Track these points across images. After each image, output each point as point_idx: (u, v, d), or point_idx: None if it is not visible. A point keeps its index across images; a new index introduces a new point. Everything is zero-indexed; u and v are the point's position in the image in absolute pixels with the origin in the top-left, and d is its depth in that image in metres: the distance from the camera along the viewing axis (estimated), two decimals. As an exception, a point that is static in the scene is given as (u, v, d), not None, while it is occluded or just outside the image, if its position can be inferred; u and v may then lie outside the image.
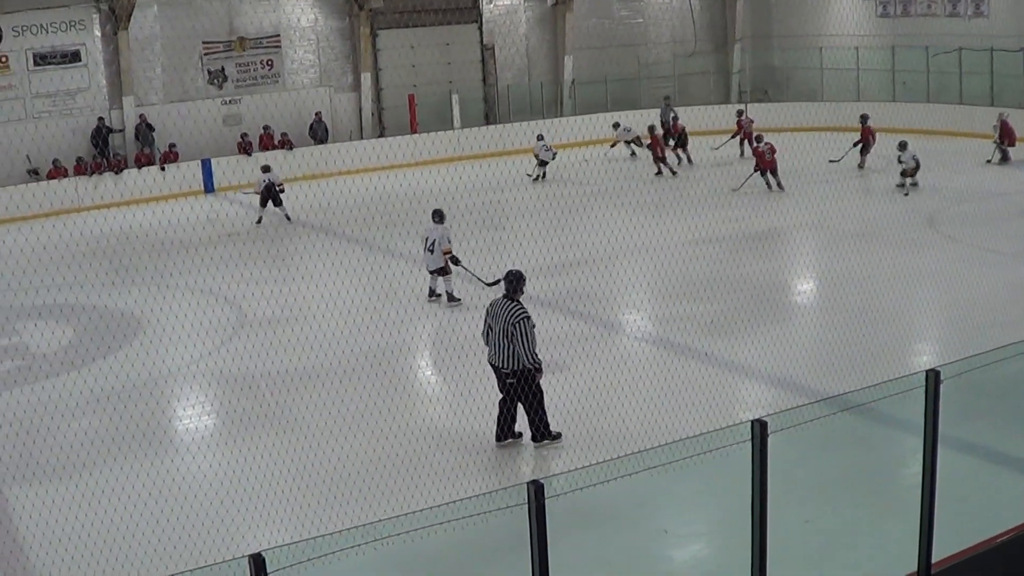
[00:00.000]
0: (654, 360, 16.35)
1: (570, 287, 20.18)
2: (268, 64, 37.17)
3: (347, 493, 11.87)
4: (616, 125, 36.45)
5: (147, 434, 14.20)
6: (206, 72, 36.08)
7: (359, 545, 6.72)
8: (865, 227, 24.00)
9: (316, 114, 36.94)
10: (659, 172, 32.15)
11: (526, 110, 40.52)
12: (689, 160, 34.01)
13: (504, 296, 13.11)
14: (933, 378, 8.29)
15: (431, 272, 19.85)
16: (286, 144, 35.66)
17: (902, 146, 27.64)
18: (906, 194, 27.09)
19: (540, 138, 33.55)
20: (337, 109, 38.31)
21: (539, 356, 12.83)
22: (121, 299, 21.26)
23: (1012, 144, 30.90)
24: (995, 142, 30.80)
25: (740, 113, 34.82)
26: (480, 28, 40.82)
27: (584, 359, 16.18)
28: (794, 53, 43.30)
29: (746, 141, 33.01)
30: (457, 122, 38.28)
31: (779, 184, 28.54)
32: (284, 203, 28.19)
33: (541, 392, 12.96)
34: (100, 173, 32.93)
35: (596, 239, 21.42)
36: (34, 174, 32.54)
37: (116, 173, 33.16)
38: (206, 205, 32.29)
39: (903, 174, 27.58)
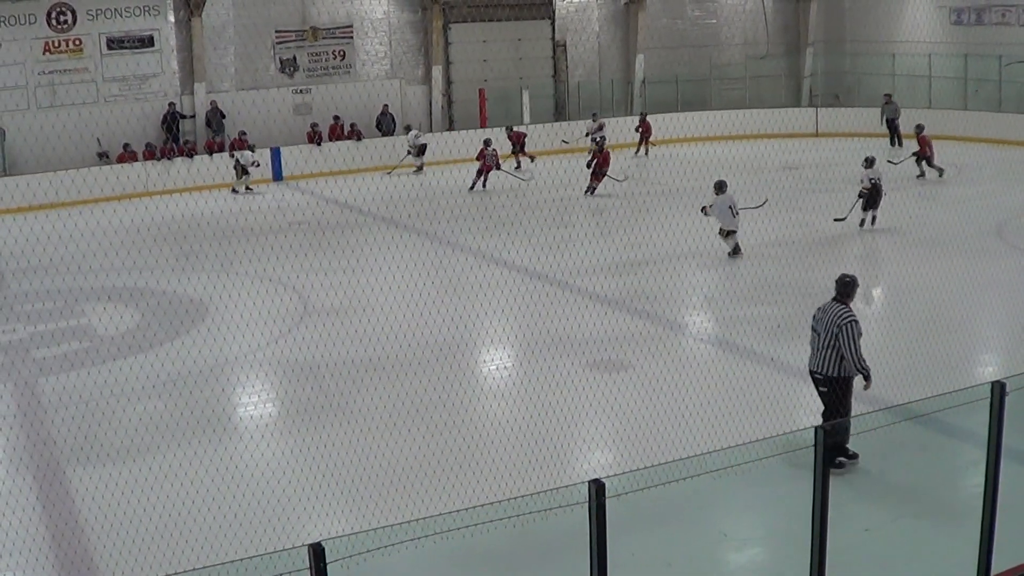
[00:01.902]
0: (717, 362, 16.26)
1: (635, 286, 20.13)
2: (340, 54, 37.39)
3: (406, 486, 11.90)
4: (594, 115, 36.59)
5: (210, 420, 14.32)
6: (278, 61, 36.35)
7: (417, 539, 6.73)
8: (932, 235, 23.75)
9: (384, 106, 37.08)
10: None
11: (596, 108, 40.45)
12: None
13: (833, 299, 12.60)
14: (999, 390, 8.21)
15: (722, 231, 21.98)
16: (355, 135, 35.84)
17: (868, 162, 24.46)
18: (861, 223, 24.43)
19: (599, 124, 34.18)
20: (408, 101, 38.45)
21: (867, 363, 11.99)
22: (187, 284, 21.44)
23: None
24: None
25: (920, 128, 31.63)
26: (552, 24, 40.83)
27: (648, 359, 16.14)
28: (866, 58, 42.97)
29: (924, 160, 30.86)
30: (527, 117, 38.28)
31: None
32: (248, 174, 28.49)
33: (849, 408, 12.13)
34: (170, 158, 33.25)
35: (662, 239, 21.37)
36: (104, 157, 32.91)
37: (188, 158, 33.46)
38: (276, 193, 32.51)
39: (860, 195, 24.40)
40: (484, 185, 31.68)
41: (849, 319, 12.06)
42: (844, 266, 22.20)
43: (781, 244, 23.10)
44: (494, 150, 32.10)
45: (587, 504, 6.95)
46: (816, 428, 7.69)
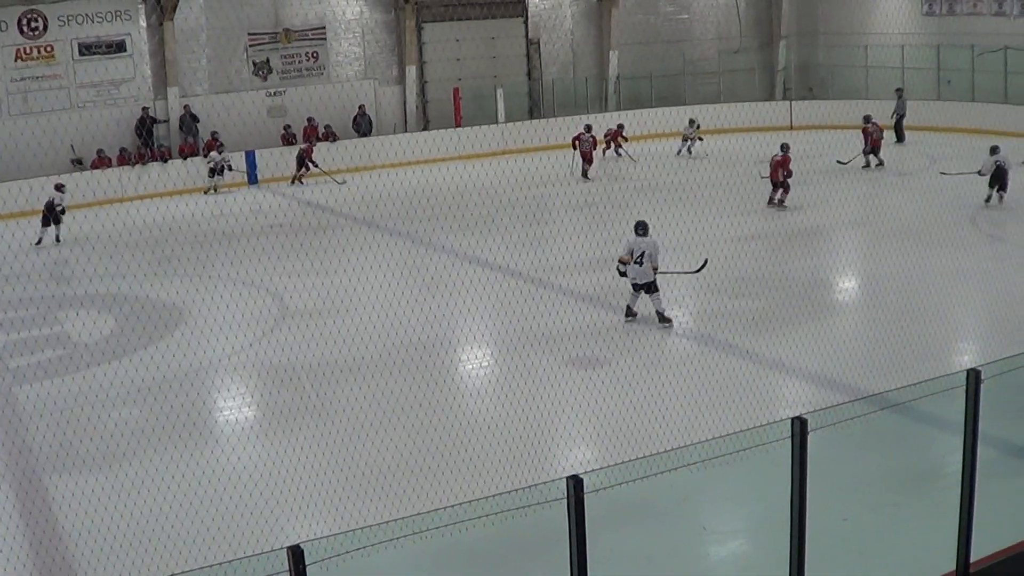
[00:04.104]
0: (696, 356, 16.32)
1: (613, 282, 20.06)
2: (313, 56, 37.29)
3: (386, 486, 11.91)
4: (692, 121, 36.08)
5: (187, 425, 14.25)
6: (251, 63, 36.23)
7: (397, 538, 6.74)
8: (907, 225, 23.82)
9: (360, 107, 37.02)
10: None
11: (571, 105, 40.41)
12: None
13: None
14: (974, 377, 8.25)
15: (638, 287, 17.79)
16: (330, 136, 35.78)
17: (993, 150, 25.77)
18: (987, 199, 25.49)
19: (691, 122, 34.72)
20: (381, 102, 38.37)
21: None
22: (163, 289, 21.37)
23: None
24: None
25: (867, 120, 32.31)
26: (526, 22, 40.77)
27: (626, 354, 16.17)
28: (839, 51, 43.04)
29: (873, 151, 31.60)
30: (501, 116, 38.24)
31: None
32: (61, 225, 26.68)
33: None
34: (144, 163, 33.13)
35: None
36: (78, 164, 32.76)
37: (163, 162, 33.36)
38: (249, 196, 32.40)
39: (981, 173, 25.77)
40: (585, 175, 32.44)
41: None
42: (820, 259, 22.47)
43: (757, 238, 23.17)
44: (591, 136, 32.80)
45: (566, 500, 6.96)
46: (793, 420, 7.70)
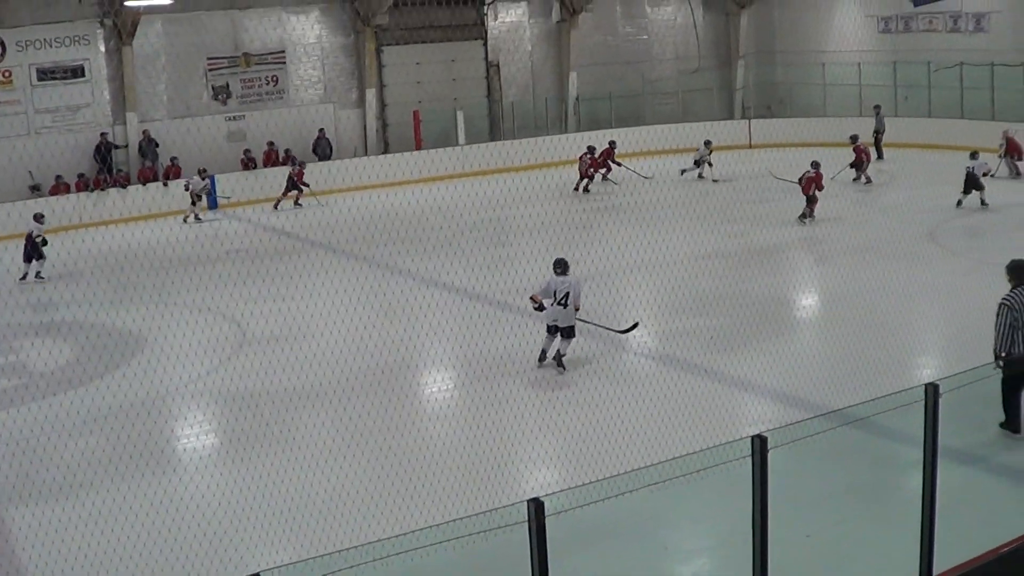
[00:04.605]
0: (657, 375, 16.29)
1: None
2: (273, 80, 37.19)
3: (347, 512, 11.81)
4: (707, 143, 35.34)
5: (148, 453, 14.12)
6: (210, 88, 36.08)
7: (358, 565, 6.70)
8: (867, 241, 23.96)
9: (320, 131, 36.94)
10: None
11: (531, 126, 40.52)
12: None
13: (1015, 286, 12.81)
14: (932, 392, 8.28)
15: (560, 329, 16.48)
16: (290, 161, 35.65)
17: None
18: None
19: (707, 144, 34.45)
20: (341, 126, 38.30)
21: None
22: (122, 317, 21.20)
23: (1021, 158, 30.94)
24: (1000, 156, 30.73)
25: (855, 139, 32.79)
26: (485, 45, 40.85)
27: (587, 375, 16.14)
28: (797, 69, 43.40)
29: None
30: (461, 138, 38.23)
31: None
32: (44, 258, 25.67)
33: None
34: (103, 189, 32.93)
35: (600, 255, 21.37)
36: (36, 190, 32.53)
37: (122, 188, 33.16)
38: (211, 221, 32.25)
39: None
40: (585, 189, 33.39)
41: None
42: (780, 275, 22.52)
43: (717, 256, 23.23)
44: (588, 157, 33.50)
45: (527, 524, 6.92)
46: (753, 438, 7.69)
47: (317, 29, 37.92)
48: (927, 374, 14.95)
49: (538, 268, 19.31)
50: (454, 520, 7.46)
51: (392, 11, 37.54)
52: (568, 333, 16.41)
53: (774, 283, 21.69)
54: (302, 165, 33.87)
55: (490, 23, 40.91)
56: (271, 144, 35.91)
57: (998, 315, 12.70)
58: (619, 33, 43.91)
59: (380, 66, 38.82)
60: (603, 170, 34.32)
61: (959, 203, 26.86)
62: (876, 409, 9.00)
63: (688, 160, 34.58)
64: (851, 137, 31.97)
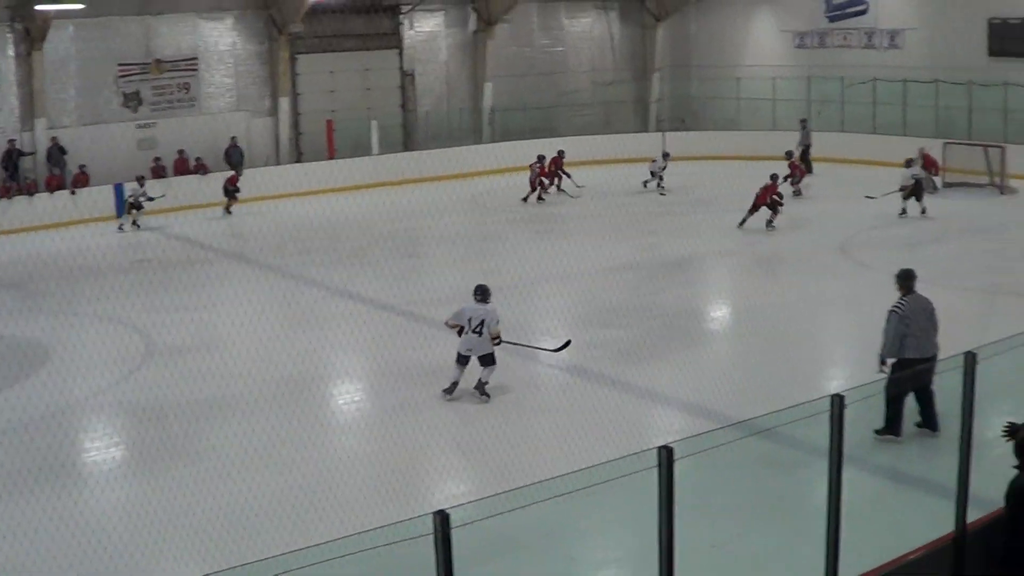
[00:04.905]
0: (568, 387, 16.31)
1: (485, 314, 20.01)
2: (185, 87, 36.75)
3: (254, 525, 11.67)
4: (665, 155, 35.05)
5: (52, 467, 13.80)
6: (121, 95, 35.57)
7: (261, 579, 6.60)
8: (778, 254, 24.24)
9: (232, 139, 36.56)
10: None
11: (445, 137, 40.44)
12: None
13: (905, 294, 13.49)
14: (838, 402, 8.31)
15: (476, 357, 15.77)
16: (201, 169, 35.28)
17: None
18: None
19: (665, 156, 34.19)
20: (254, 134, 37.92)
21: None
22: (27, 327, 20.79)
23: (937, 173, 31.45)
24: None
25: (789, 155, 33.34)
26: (400, 54, 40.68)
27: (497, 386, 16.07)
28: (712, 83, 43.77)
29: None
30: (375, 148, 38.08)
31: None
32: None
33: None
34: (9, 197, 32.35)
35: (513, 266, 21.40)
36: (-59, 198, 31.94)
37: (30, 196, 32.60)
38: (118, 230, 31.81)
39: (902, 189, 27.98)
40: (538, 198, 32.99)
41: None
42: (691, 287, 22.66)
43: (629, 268, 23.30)
44: (538, 167, 33.13)
45: (432, 536, 6.86)
46: (660, 448, 7.68)
47: (231, 36, 37.53)
48: (835, 384, 15.06)
49: (449, 279, 19.33)
50: (359, 533, 7.37)
51: (307, 19, 37.29)
52: (486, 361, 15.72)
53: (685, 295, 21.82)
54: (236, 170, 33.50)
55: (406, 32, 40.76)
56: (181, 152, 35.49)
57: (888, 322, 13.28)
58: (535, 44, 43.97)
59: (294, 74, 38.52)
60: (556, 180, 34.02)
61: (903, 212, 27.74)
62: (783, 420, 9.04)
63: (646, 171, 34.48)
64: (786, 153, 32.50)
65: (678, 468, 7.71)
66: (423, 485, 13.02)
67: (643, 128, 44.42)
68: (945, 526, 9.16)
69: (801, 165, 32.38)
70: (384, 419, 14.71)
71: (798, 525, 10.67)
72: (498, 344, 15.73)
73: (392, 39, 40.38)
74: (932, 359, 13.05)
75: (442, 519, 6.80)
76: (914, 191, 27.77)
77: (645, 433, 13.92)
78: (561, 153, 34.48)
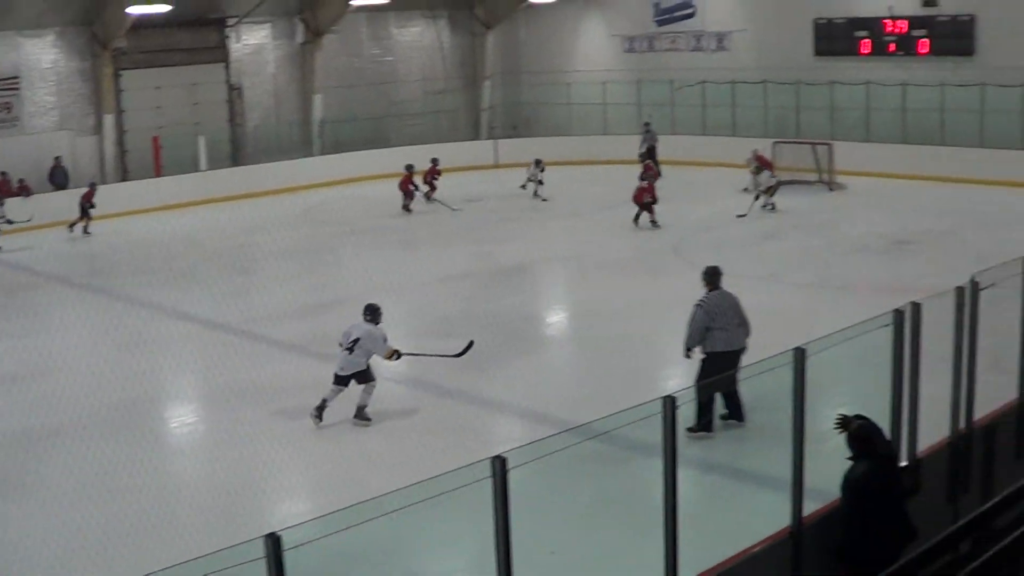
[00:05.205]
0: (407, 399, 16.21)
1: (320, 330, 19.64)
2: (6, 107, 35.72)
3: (90, 554, 11.34)
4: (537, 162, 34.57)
5: None
6: (-62, 115, 34.51)
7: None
8: (612, 258, 24.41)
9: (56, 159, 35.63)
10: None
11: (275, 150, 39.95)
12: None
13: (711, 290, 14.31)
14: (671, 404, 8.37)
15: (342, 379, 15.19)
16: (24, 191, 34.29)
17: (538, 163, 30.23)
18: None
19: (537, 163, 33.76)
20: (79, 153, 36.98)
21: None
22: None
23: (774, 173, 31.98)
24: (752, 174, 31.54)
25: (643, 157, 34.17)
26: (227, 68, 40.09)
27: (335, 402, 15.86)
28: (543, 89, 44.10)
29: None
30: (203, 164, 37.45)
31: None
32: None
33: None
34: None
35: (347, 279, 21.23)
36: None
37: None
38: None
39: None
40: (407, 208, 32.54)
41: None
42: (527, 294, 22.72)
43: (464, 277, 23.30)
44: (409, 174, 32.78)
45: (264, 560, 6.71)
46: (493, 459, 7.63)
47: (53, 53, 36.55)
48: (672, 384, 15.19)
49: (282, 295, 19.05)
50: (190, 560, 7.16)
51: (131, 34, 36.50)
52: (361, 378, 15.17)
53: (521, 302, 21.86)
54: (92, 187, 32.45)
55: (232, 46, 40.18)
56: (4, 174, 34.47)
57: (693, 316, 14.10)
58: (365, 55, 43.75)
59: (118, 91, 37.68)
60: (427, 189, 33.70)
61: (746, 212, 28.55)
62: (619, 423, 9.05)
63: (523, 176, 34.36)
64: (640, 155, 32.77)
65: (517, 476, 7.68)
66: (261, 506, 12.78)
67: (475, 136, 44.54)
68: (782, 520, 9.26)
69: (653, 167, 32.55)
70: (218, 440, 14.42)
71: (638, 526, 10.71)
72: (397, 359, 15.42)
73: (219, 53, 39.76)
74: (740, 352, 13.84)
75: (273, 542, 6.67)
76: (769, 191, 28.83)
77: (488, 442, 13.85)
78: (435, 161, 34.37)
